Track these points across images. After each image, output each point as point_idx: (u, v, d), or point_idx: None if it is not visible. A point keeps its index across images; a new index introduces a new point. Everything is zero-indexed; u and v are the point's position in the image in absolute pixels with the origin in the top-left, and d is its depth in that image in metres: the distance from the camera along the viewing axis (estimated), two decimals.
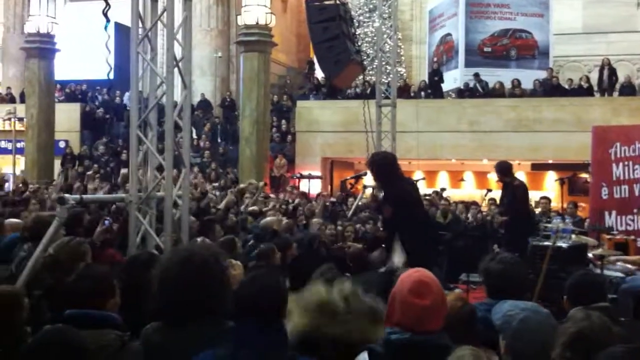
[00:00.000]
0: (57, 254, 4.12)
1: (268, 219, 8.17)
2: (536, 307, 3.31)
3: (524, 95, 18.71)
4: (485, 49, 21.12)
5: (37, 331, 2.95)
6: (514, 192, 8.91)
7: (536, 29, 21.04)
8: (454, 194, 16.86)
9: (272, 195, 13.52)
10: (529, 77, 19.47)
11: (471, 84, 19.39)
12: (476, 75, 19.32)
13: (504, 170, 9.07)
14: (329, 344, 2.51)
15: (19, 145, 19.37)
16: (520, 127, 17.58)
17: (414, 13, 23.78)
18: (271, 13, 16.55)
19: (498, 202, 10.14)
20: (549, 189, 18.87)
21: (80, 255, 4.07)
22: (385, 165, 6.17)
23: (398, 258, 4.38)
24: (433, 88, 19.73)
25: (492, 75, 19.70)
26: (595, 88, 18.68)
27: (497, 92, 18.81)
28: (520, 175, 19.23)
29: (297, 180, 18.27)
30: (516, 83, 18.72)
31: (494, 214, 11.04)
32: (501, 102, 18.35)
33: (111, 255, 5.06)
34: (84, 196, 5.19)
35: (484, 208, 12.16)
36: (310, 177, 18.48)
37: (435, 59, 21.42)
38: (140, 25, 5.30)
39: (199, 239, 6.04)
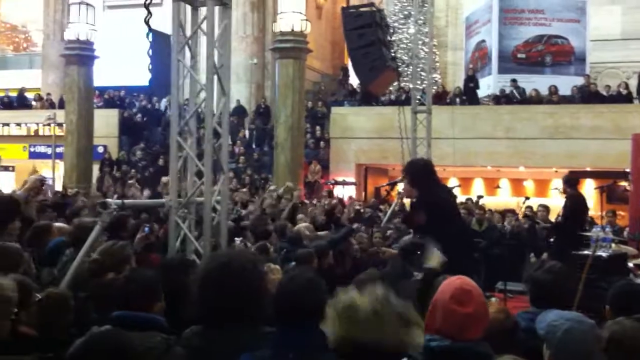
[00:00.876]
0: (102, 257, 4.19)
1: (301, 225, 8.18)
2: (581, 317, 3.26)
3: (561, 101, 18.48)
4: (519, 55, 20.93)
5: (82, 332, 3.02)
6: (566, 201, 8.94)
7: (572, 35, 20.78)
8: (489, 202, 16.71)
9: (306, 202, 13.56)
10: (565, 83, 19.25)
11: (507, 90, 19.22)
12: (513, 81, 19.13)
13: (568, 182, 9.14)
14: (362, 352, 2.51)
15: (58, 150, 19.74)
16: (557, 134, 17.36)
17: (449, 19, 23.69)
18: (306, 20, 16.63)
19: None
20: (586, 196, 18.58)
21: (124, 259, 4.14)
22: (421, 172, 6.14)
23: (435, 259, 4.33)
24: (468, 94, 19.60)
25: (527, 82, 19.52)
26: (635, 95, 18.35)
27: (534, 99, 18.60)
28: (558, 182, 19.00)
29: (331, 186, 18.30)
30: (553, 90, 18.49)
31: (544, 223, 10.92)
32: (538, 108, 18.14)
33: (153, 260, 5.13)
34: (126, 201, 5.26)
35: (521, 216, 12.03)
36: (344, 183, 18.50)
37: (470, 66, 21.30)
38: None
39: (237, 240, 6.11)
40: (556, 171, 17.89)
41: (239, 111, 21.27)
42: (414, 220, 6.13)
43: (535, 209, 12.13)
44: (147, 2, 5.25)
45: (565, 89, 18.90)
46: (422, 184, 6.13)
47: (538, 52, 20.98)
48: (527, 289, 3.68)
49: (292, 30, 16.28)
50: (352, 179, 18.95)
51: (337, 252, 6.58)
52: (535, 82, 19.37)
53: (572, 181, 9.18)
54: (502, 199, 19.33)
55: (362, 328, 2.49)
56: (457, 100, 19.55)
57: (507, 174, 19.80)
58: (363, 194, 19.27)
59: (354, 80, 20.73)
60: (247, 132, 20.96)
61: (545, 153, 17.19)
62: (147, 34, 5.59)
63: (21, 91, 23.89)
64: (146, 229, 5.70)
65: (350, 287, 3.06)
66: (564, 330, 2.96)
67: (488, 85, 20.55)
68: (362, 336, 2.48)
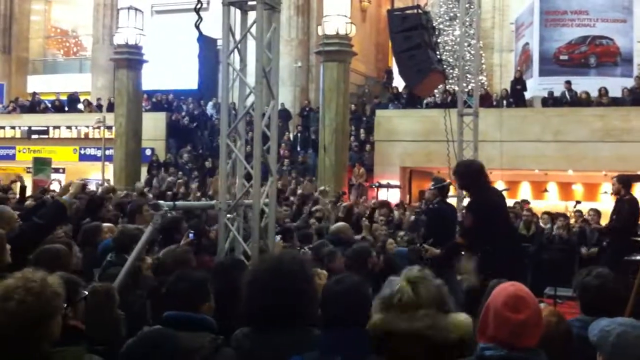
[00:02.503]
0: (164, 258, 4.27)
1: (339, 224, 8.10)
2: (634, 322, 3.18)
3: (611, 103, 18.07)
4: (562, 57, 20.57)
5: (139, 329, 3.08)
6: (622, 206, 8.70)
7: (618, 35, 20.29)
8: (536, 206, 16.44)
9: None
10: (610, 84, 18.77)
11: (557, 93, 18.88)
12: (567, 82, 18.77)
13: (624, 182, 8.88)
14: (400, 341, 2.44)
15: (107, 152, 20.16)
16: (607, 137, 16.97)
17: (496, 21, 23.40)
18: (351, 23, 16.63)
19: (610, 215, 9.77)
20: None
21: (184, 262, 4.20)
22: (470, 173, 6.09)
23: (473, 275, 4.30)
24: (515, 97, 19.32)
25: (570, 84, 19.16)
26: None
27: (583, 101, 18.22)
28: (608, 186, 18.59)
29: (375, 189, 18.25)
30: (603, 91, 18.09)
31: (595, 226, 10.68)
32: (587, 111, 17.76)
33: (205, 262, 5.19)
34: (177, 202, 5.34)
35: (573, 220, 11.80)
36: (388, 186, 18.43)
37: (518, 68, 21.02)
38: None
39: (277, 238, 6.10)
40: (605, 175, 17.49)
41: (284, 114, 21.38)
42: (464, 221, 6.08)
43: (585, 213, 11.88)
44: (198, 7, 5.32)
45: (612, 91, 18.48)
46: (472, 186, 6.08)
47: (582, 53, 20.58)
48: (577, 295, 3.60)
49: (337, 33, 16.29)
50: (397, 182, 18.86)
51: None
52: (579, 84, 18.99)
53: (628, 182, 8.91)
54: (550, 202, 19.01)
55: (398, 315, 2.42)
56: (504, 102, 19.30)
57: (555, 178, 19.45)
58: (407, 197, 19.16)
59: (398, 83, 20.66)
60: (291, 135, 21.05)
61: (596, 156, 16.82)
62: (198, 39, 5.67)
63: (72, 95, 24.46)
64: (191, 235, 5.76)
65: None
66: (616, 334, 2.89)
67: (529, 87, 20.26)
68: (397, 325, 2.42)
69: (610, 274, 3.62)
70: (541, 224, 12.17)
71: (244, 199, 5.39)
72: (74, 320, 2.99)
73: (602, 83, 18.69)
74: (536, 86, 19.97)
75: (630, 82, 18.64)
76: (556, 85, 19.44)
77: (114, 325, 3.53)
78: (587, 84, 18.90)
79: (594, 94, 18.22)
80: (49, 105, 24.39)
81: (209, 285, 3.32)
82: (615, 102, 18.24)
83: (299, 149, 20.60)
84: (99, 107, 22.99)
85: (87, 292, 3.23)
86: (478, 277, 4.40)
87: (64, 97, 24.59)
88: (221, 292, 3.51)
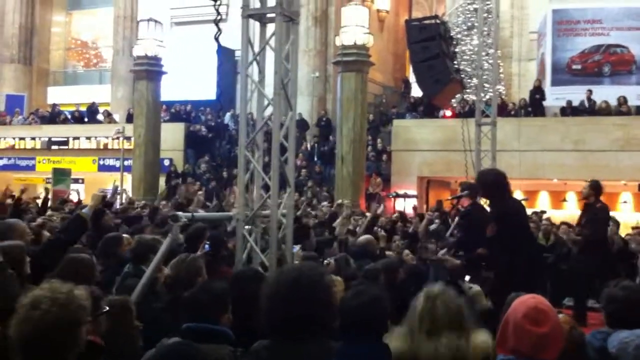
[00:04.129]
0: (176, 270, 4.28)
1: (365, 237, 8.11)
2: None
3: (631, 112, 17.92)
4: (574, 67, 20.42)
5: (157, 342, 3.09)
6: (594, 214, 8.56)
7: (634, 43, 20.10)
8: (555, 215, 16.31)
9: (367, 214, 13.51)
10: (625, 93, 18.61)
11: (575, 102, 18.76)
12: (589, 91, 18.64)
13: (598, 189, 8.74)
14: None
15: (126, 163, 20.29)
16: (628, 146, 16.82)
17: (514, 30, 23.29)
18: (369, 33, 16.65)
19: (577, 223, 9.60)
20: None
21: (197, 271, 4.22)
22: (493, 183, 6.06)
23: (483, 299, 4.28)
24: (534, 106, 19.22)
25: (583, 93, 19.04)
26: None
27: (603, 110, 18.08)
28: (627, 196, 18.40)
29: (392, 199, 18.20)
30: (622, 100, 17.96)
31: (571, 236, 10.54)
32: (607, 120, 17.63)
33: (223, 272, 5.21)
34: (195, 214, 5.36)
35: None
36: (405, 196, 18.38)
37: (538, 77, 20.95)
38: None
39: (296, 248, 6.11)
40: (625, 184, 17.33)
41: (301, 124, 21.41)
42: (487, 231, 6.04)
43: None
44: (217, 19, 5.37)
45: (629, 100, 18.33)
46: (494, 195, 6.05)
47: (595, 62, 20.42)
48: (602, 307, 3.56)
49: (355, 43, 16.33)
50: (414, 192, 18.81)
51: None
52: (593, 93, 18.87)
53: (599, 189, 8.74)
54: (569, 212, 18.84)
55: (420, 338, 2.43)
56: (522, 112, 19.20)
57: (574, 187, 19.27)
58: (425, 206, 19.08)
59: (415, 92, 20.63)
60: (309, 145, 21.08)
61: (617, 166, 16.67)
62: (217, 51, 5.71)
63: (92, 106, 24.69)
64: (206, 246, 5.76)
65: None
66: (635, 346, 2.86)
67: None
68: (419, 350, 2.42)
69: (635, 285, 3.59)
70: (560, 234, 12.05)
71: (262, 210, 5.41)
72: (92, 335, 3.01)
73: (617, 91, 18.57)
74: (549, 96, 19.87)
75: None
76: (569, 95, 19.33)
77: (131, 338, 3.54)
78: (601, 93, 18.76)
79: (612, 102, 18.09)
80: (69, 116, 24.63)
81: (228, 297, 3.33)
82: (635, 111, 18.10)
83: (316, 159, 20.61)
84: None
85: (107, 308, 3.25)
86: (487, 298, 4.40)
87: (83, 108, 24.84)
88: (238, 303, 3.51)
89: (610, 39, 20.27)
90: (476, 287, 4.51)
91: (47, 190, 10.28)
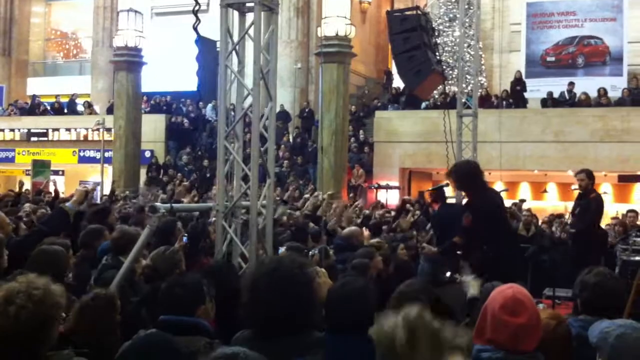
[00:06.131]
0: (154, 262, 4.25)
1: (352, 228, 8.08)
2: (634, 324, 3.16)
3: (611, 104, 18.07)
4: (548, 59, 20.54)
5: (134, 333, 3.07)
6: (589, 205, 8.62)
7: (607, 34, 20.26)
8: (535, 206, 16.44)
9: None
10: (599, 84, 18.75)
11: (556, 94, 18.86)
12: (570, 84, 18.75)
13: (593, 178, 8.80)
14: None
15: (107, 154, 20.13)
16: (607, 137, 16.97)
17: (495, 22, 23.38)
18: (351, 24, 16.61)
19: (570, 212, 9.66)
20: (636, 201, 18.14)
21: (175, 263, 4.19)
22: (467, 174, 6.08)
23: (476, 286, 4.28)
24: (515, 98, 19.30)
25: (557, 85, 19.14)
26: None
27: (583, 102, 18.21)
28: (607, 187, 18.58)
29: (374, 190, 18.22)
30: (602, 92, 18.10)
31: (565, 225, 10.63)
32: (587, 111, 17.76)
33: (205, 263, 5.17)
34: (174, 205, 5.32)
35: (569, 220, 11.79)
36: (387, 187, 18.41)
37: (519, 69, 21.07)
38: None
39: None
40: (605, 175, 17.47)
41: (283, 116, 21.34)
42: (462, 223, 6.06)
43: None
44: (195, 8, 5.31)
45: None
46: (470, 186, 6.07)
47: (569, 54, 20.56)
48: (576, 293, 3.56)
49: (337, 34, 16.28)
50: (396, 183, 18.85)
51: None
52: (565, 85, 18.98)
53: (594, 178, 8.87)
54: (549, 203, 19.00)
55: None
56: (504, 103, 19.28)
57: (554, 178, 19.44)
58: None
59: (397, 84, 20.64)
60: (290, 137, 21.02)
61: (596, 157, 16.81)
62: (196, 41, 5.64)
63: (72, 97, 24.44)
64: (185, 238, 5.72)
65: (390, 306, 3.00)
66: (616, 336, 2.87)
67: None
68: None
69: (609, 272, 3.61)
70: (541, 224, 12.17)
71: (242, 201, 5.37)
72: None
73: (591, 83, 18.69)
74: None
75: (619, 81, 18.61)
76: (543, 87, 19.42)
77: (113, 332, 3.52)
78: (576, 84, 18.87)
79: (592, 94, 18.21)
80: (48, 108, 24.36)
81: (204, 288, 3.30)
82: (614, 102, 18.25)
83: (298, 150, 20.55)
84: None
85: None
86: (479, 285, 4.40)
87: (64, 100, 24.58)
88: (220, 295, 3.49)
89: (584, 31, 20.40)
90: (469, 276, 4.50)
91: (21, 182, 10.22)
